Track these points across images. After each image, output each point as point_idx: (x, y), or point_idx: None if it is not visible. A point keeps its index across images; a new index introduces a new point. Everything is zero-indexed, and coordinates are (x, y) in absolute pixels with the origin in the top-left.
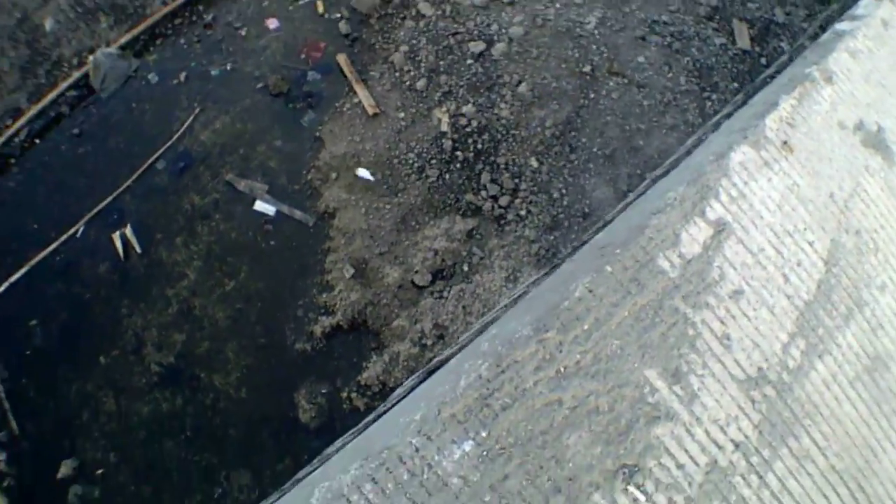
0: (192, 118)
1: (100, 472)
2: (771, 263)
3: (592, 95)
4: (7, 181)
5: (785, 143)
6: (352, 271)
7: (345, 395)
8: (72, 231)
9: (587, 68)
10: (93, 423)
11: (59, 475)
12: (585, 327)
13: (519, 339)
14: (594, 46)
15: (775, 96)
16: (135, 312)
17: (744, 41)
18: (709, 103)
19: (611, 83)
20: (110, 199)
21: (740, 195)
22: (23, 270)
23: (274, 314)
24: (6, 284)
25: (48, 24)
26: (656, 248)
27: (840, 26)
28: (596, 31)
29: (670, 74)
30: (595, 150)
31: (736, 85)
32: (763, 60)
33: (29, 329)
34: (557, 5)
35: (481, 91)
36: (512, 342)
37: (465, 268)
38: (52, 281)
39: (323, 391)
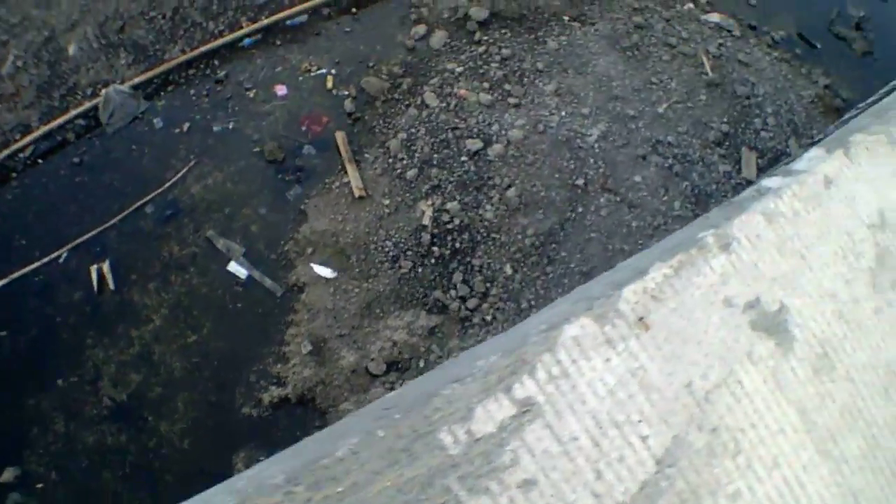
0: (186, 169)
1: (40, 486)
2: (582, 455)
3: (580, 209)
4: (5, 193)
5: (641, 319)
6: (309, 347)
7: None
8: (55, 255)
9: (580, 181)
10: (41, 440)
11: (1, 479)
12: (339, 489)
13: (268, 486)
14: (591, 160)
15: (647, 262)
16: (98, 345)
17: (750, 171)
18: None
19: (601, 199)
20: (96, 231)
21: (563, 374)
22: (2, 282)
23: (228, 375)
24: None
25: (72, 49)
26: (441, 420)
27: (766, 182)
28: (596, 145)
29: (665, 198)
30: (573, 265)
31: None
32: None
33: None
34: (563, 113)
35: (470, 190)
36: (262, 486)
37: (421, 364)
38: (27, 298)
39: (261, 459)
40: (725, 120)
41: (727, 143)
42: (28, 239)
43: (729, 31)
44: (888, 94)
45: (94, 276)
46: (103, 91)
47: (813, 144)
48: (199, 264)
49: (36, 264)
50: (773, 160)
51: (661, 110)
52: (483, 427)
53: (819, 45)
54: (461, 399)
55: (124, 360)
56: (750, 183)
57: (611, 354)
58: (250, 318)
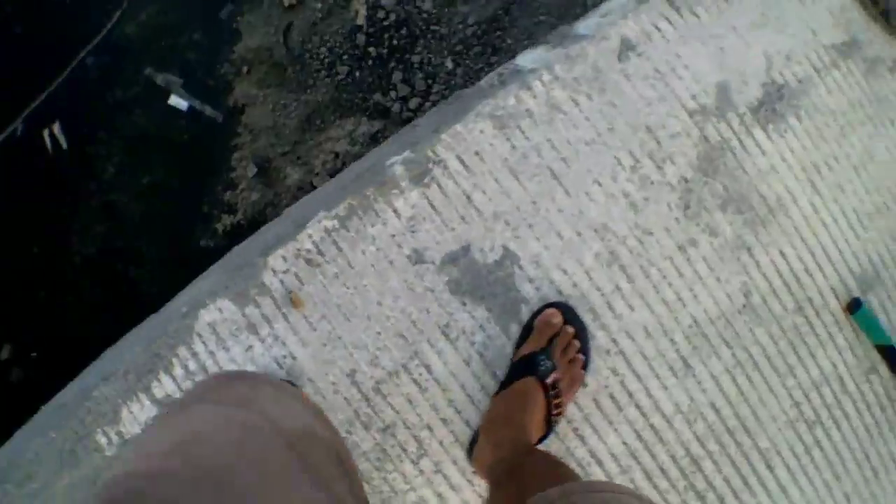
0: (119, 12)
1: (33, 354)
2: None
3: None
4: None
5: (291, 293)
6: (255, 170)
7: None
8: (11, 128)
9: None
10: (25, 310)
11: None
12: (35, 485)
13: None
14: None
15: (311, 210)
16: (63, 206)
17: None
18: None
19: None
20: (43, 96)
21: (200, 369)
22: None
23: (183, 210)
24: None
25: None
26: (94, 423)
27: (521, 59)
28: None
29: None
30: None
31: None
32: None
33: None
34: None
35: None
36: None
37: None
38: None
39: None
40: None
41: None
42: None
43: None
44: None
45: (46, 139)
46: None
47: None
48: (143, 104)
49: None
50: None
51: None
52: (131, 428)
53: None
54: (108, 400)
55: (88, 215)
56: None
57: (253, 342)
58: (197, 149)
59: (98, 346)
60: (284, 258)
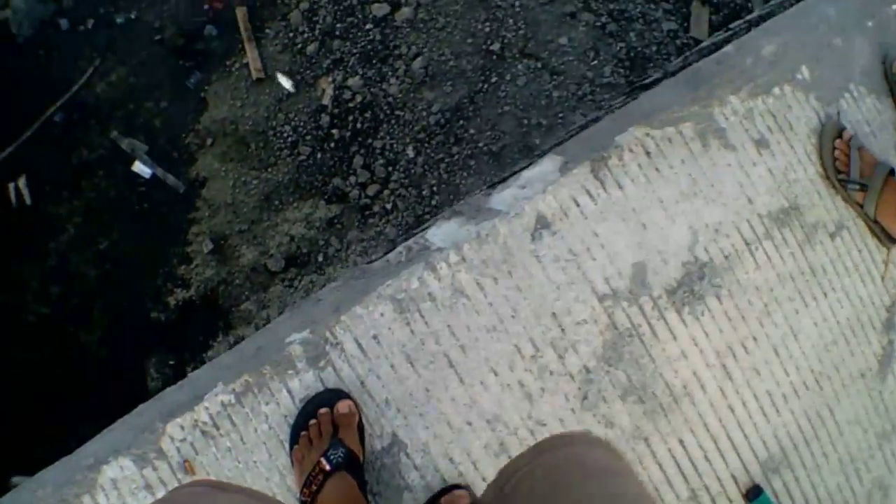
0: (91, 70)
1: None
2: None
3: (494, 79)
4: None
5: (187, 461)
6: (210, 246)
7: (189, 370)
8: None
9: (496, 46)
10: None
11: None
12: None
13: None
14: (510, 20)
15: (209, 384)
16: (22, 262)
17: (700, 30)
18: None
19: (519, 66)
20: (12, 147)
21: None
22: None
23: (137, 279)
24: None
25: None
26: None
27: (433, 234)
28: (517, 3)
29: (595, 62)
30: (482, 144)
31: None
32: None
33: None
34: None
35: (374, 62)
36: None
37: (320, 258)
38: None
39: (171, 363)
40: None
41: None
42: None
43: None
44: None
45: (11, 193)
46: (11, 1)
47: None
48: (106, 167)
49: None
50: (731, 16)
51: None
52: None
53: None
54: None
55: (45, 274)
56: (698, 42)
57: (149, 502)
58: (156, 218)
59: (39, 403)
60: (182, 427)
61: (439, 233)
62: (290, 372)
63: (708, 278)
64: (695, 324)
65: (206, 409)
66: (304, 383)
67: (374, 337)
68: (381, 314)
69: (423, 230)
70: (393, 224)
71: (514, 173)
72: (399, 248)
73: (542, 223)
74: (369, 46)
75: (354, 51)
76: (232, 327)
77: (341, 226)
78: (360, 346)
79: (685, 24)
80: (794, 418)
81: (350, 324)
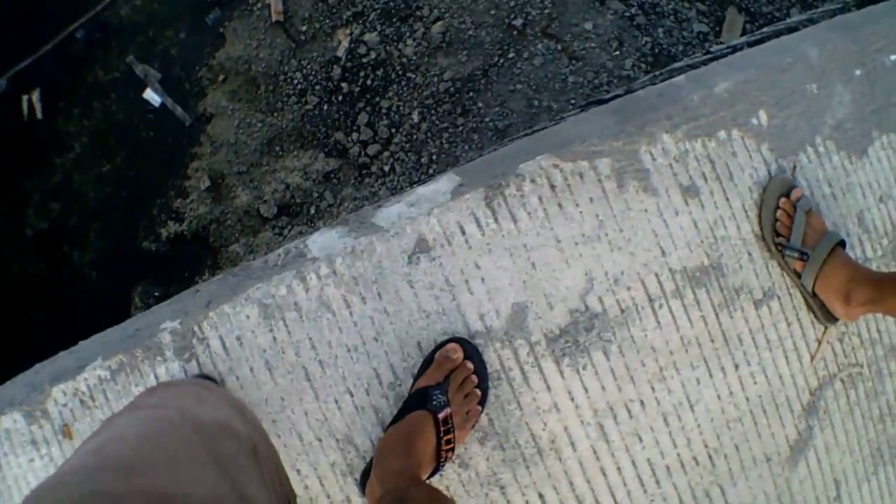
0: None
1: None
2: None
3: (511, 55)
4: None
5: (66, 425)
6: (208, 183)
7: None
8: None
9: (518, 21)
10: None
11: None
12: None
13: None
14: None
15: (92, 353)
16: (26, 175)
17: (733, 35)
18: (646, 77)
19: (539, 45)
20: (30, 60)
21: None
22: None
23: (134, 206)
24: None
25: None
26: None
27: (314, 241)
28: None
29: (617, 53)
30: (487, 119)
31: None
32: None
33: None
34: None
35: (394, 20)
36: None
37: (312, 210)
38: None
39: (156, 294)
40: None
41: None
42: None
43: None
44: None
45: (24, 105)
46: None
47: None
48: (119, 90)
49: None
50: (765, 26)
51: None
52: None
53: None
54: None
55: (47, 190)
56: (735, 50)
57: (34, 457)
58: (159, 147)
59: (25, 325)
60: (64, 392)
61: (319, 241)
62: (158, 359)
63: (597, 330)
64: (574, 377)
65: (86, 380)
66: (170, 372)
67: (238, 338)
68: (247, 316)
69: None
70: (388, 186)
71: (413, 186)
72: (279, 251)
73: (422, 247)
74: (392, 3)
75: (376, 6)
76: (219, 267)
77: (337, 181)
78: (223, 344)
79: (717, 29)
80: (676, 493)
81: (217, 321)
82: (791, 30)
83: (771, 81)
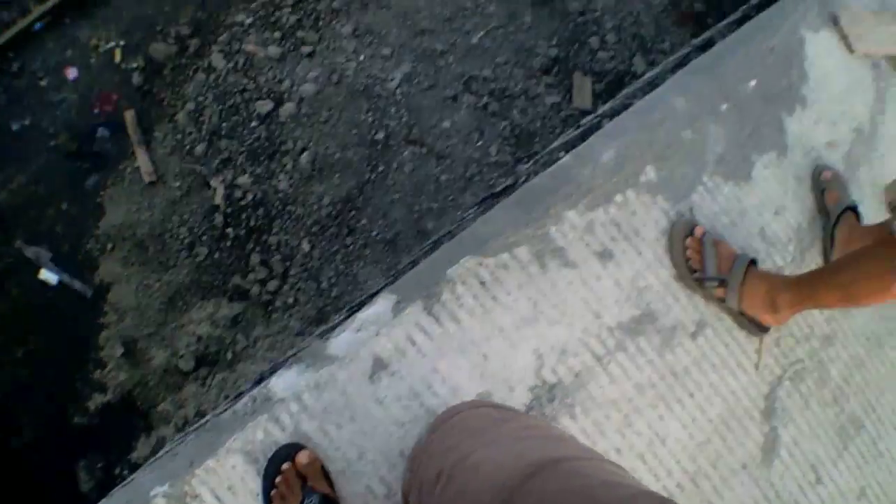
0: None
1: None
2: None
3: (381, 168)
4: None
5: None
6: (121, 350)
7: (117, 471)
8: None
9: (380, 135)
10: None
11: None
12: None
13: None
14: (393, 109)
15: None
16: None
17: (583, 99)
18: (527, 164)
19: (405, 153)
20: None
21: None
22: None
23: (56, 384)
24: None
25: None
26: None
27: (276, 384)
28: (398, 91)
29: (480, 143)
30: (375, 233)
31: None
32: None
33: None
34: (361, 58)
35: (261, 159)
36: None
37: (229, 356)
38: None
39: (99, 465)
40: (555, 43)
41: (556, 70)
42: None
43: None
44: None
45: None
46: None
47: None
48: (15, 276)
49: None
50: (615, 83)
51: (475, 40)
52: None
53: None
54: None
55: None
56: (585, 113)
57: None
58: (68, 324)
59: None
60: None
61: (280, 382)
62: None
63: (559, 399)
64: None
65: None
66: None
67: (229, 488)
68: (233, 466)
69: (267, 380)
70: (296, 318)
71: (351, 313)
72: (245, 399)
73: (380, 365)
74: (256, 144)
75: (242, 149)
76: (153, 427)
77: (246, 322)
78: (217, 497)
79: (568, 96)
80: None
81: (205, 477)
82: (651, 85)
83: (649, 139)
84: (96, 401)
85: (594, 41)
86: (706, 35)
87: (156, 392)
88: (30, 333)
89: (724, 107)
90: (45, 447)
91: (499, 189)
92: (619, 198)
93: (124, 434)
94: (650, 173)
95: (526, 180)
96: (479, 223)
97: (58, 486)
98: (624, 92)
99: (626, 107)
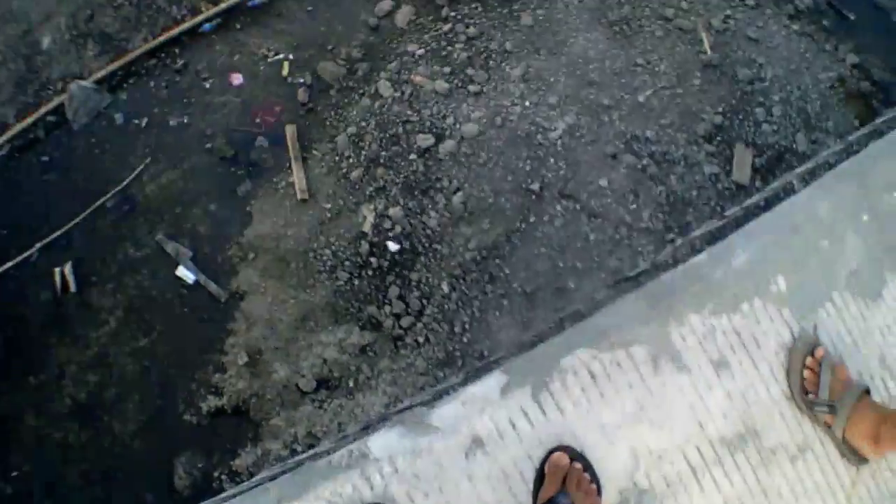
0: (141, 168)
1: (14, 474)
2: None
3: (532, 219)
4: None
5: None
6: (245, 359)
7: (216, 474)
8: (26, 254)
9: (535, 185)
10: (14, 433)
11: None
12: None
13: None
14: (552, 160)
15: None
16: (62, 346)
17: (743, 174)
18: (668, 249)
19: (558, 207)
20: (61, 231)
21: None
22: None
23: (173, 379)
24: None
25: (45, 42)
26: None
27: (373, 444)
28: (560, 142)
29: (633, 206)
30: (516, 284)
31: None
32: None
33: None
34: (527, 103)
35: (415, 193)
36: None
37: (351, 383)
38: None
39: (199, 465)
40: (720, 110)
41: (719, 139)
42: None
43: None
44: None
45: (57, 278)
46: (69, 86)
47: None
48: (151, 267)
49: (8, 264)
50: (775, 159)
51: (642, 99)
52: None
53: (853, 16)
54: None
55: (84, 361)
56: (741, 188)
57: None
58: (195, 323)
59: (66, 492)
60: None
61: (379, 441)
62: None
63: None
64: None
65: None
66: None
67: None
68: None
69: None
70: (424, 357)
71: (459, 384)
72: (342, 451)
73: (477, 443)
74: (412, 177)
75: (397, 180)
76: (260, 439)
77: (373, 353)
78: None
79: (727, 167)
80: None
81: None
82: (801, 179)
83: (785, 245)
84: (210, 403)
85: (760, 112)
86: (869, 128)
87: (270, 406)
88: (156, 325)
89: (866, 217)
90: (148, 437)
91: (633, 274)
92: (745, 306)
93: (230, 441)
94: (780, 283)
95: (660, 269)
96: (602, 314)
97: (152, 476)
98: (774, 184)
99: (777, 196)
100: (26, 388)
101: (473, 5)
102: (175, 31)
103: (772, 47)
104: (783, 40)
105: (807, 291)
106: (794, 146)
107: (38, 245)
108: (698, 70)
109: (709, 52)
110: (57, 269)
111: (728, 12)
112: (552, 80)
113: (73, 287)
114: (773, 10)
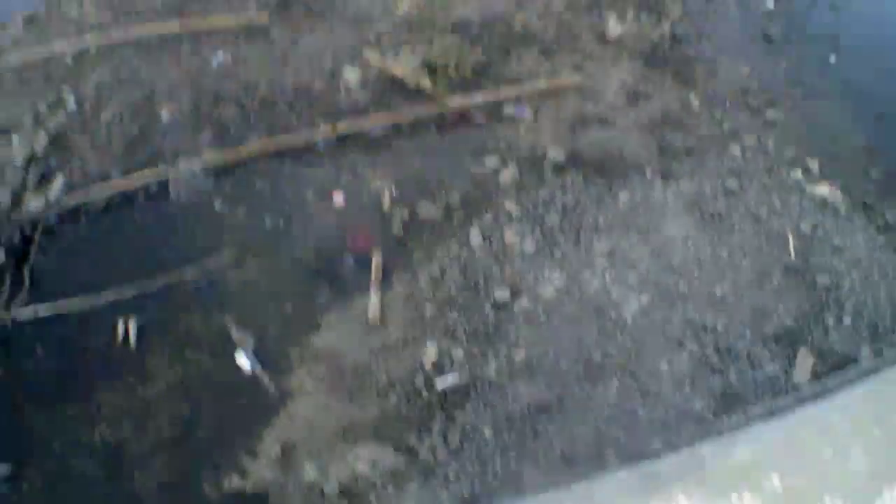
0: (229, 254)
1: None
2: None
3: (587, 387)
4: (70, 233)
5: None
6: (278, 451)
7: None
8: (100, 299)
9: (598, 356)
10: (38, 450)
11: None
12: None
13: None
14: (619, 335)
15: None
16: (108, 390)
17: (802, 376)
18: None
19: (614, 380)
20: (136, 290)
21: None
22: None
23: (203, 451)
24: (32, 314)
25: (164, 116)
26: None
27: None
28: (629, 319)
29: (688, 391)
30: (556, 445)
31: None
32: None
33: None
34: (606, 278)
35: (480, 340)
36: None
37: (373, 499)
38: (64, 332)
39: None
40: (792, 311)
41: (785, 341)
42: (79, 277)
43: (835, 207)
44: None
45: (119, 329)
46: (178, 166)
47: None
48: (212, 346)
49: (80, 304)
50: (837, 366)
51: (718, 291)
52: None
53: None
54: None
55: (124, 408)
56: (796, 389)
57: None
58: (239, 405)
59: None
60: None
61: None
62: None
63: None
64: None
65: None
66: None
67: None
68: None
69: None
70: (450, 493)
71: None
72: None
73: None
74: (481, 326)
75: (467, 326)
76: None
77: (402, 478)
78: None
79: (787, 371)
80: None
81: None
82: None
83: (790, 447)
84: (233, 483)
85: (830, 319)
86: None
87: (291, 501)
88: (203, 399)
89: (877, 432)
90: (166, 497)
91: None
92: (734, 497)
93: None
94: (775, 481)
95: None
96: (596, 483)
97: None
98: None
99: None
100: (62, 415)
101: (577, 176)
102: (292, 142)
103: (854, 258)
104: (865, 252)
105: (799, 493)
106: (858, 355)
107: (111, 296)
108: (779, 271)
109: (793, 256)
110: (121, 321)
111: (820, 218)
112: (635, 259)
113: (133, 342)
114: (862, 220)
